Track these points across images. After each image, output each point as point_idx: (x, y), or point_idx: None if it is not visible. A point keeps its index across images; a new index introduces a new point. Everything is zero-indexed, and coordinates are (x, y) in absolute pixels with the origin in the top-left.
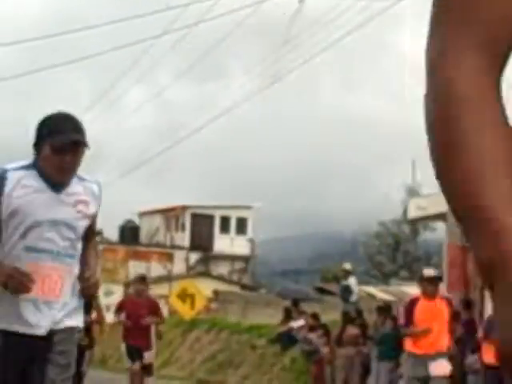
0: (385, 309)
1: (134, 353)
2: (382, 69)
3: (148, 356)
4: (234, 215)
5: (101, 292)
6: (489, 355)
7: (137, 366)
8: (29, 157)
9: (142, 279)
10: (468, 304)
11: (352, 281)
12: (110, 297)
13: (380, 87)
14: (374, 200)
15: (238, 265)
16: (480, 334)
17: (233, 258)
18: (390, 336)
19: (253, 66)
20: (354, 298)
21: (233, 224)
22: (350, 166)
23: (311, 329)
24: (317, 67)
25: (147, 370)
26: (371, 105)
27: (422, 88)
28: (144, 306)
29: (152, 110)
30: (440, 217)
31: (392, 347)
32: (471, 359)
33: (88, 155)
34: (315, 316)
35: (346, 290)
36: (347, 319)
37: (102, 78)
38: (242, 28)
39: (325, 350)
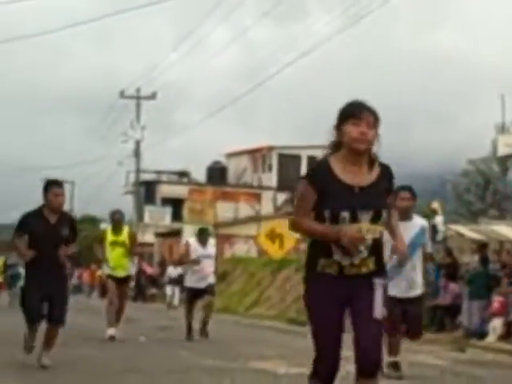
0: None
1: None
2: (464, 7)
3: None
4: (320, 155)
5: (189, 233)
6: None
7: None
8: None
9: None
10: None
11: (438, 220)
12: None
13: (463, 25)
14: (462, 138)
15: None
16: None
17: None
18: (481, 275)
19: (334, 7)
20: (439, 236)
21: None
22: (437, 103)
23: None
24: (397, 8)
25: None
26: (455, 42)
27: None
28: None
29: (237, 50)
30: None
31: (483, 286)
32: None
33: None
34: None
35: (433, 229)
36: None
37: (186, 20)
38: None
39: None
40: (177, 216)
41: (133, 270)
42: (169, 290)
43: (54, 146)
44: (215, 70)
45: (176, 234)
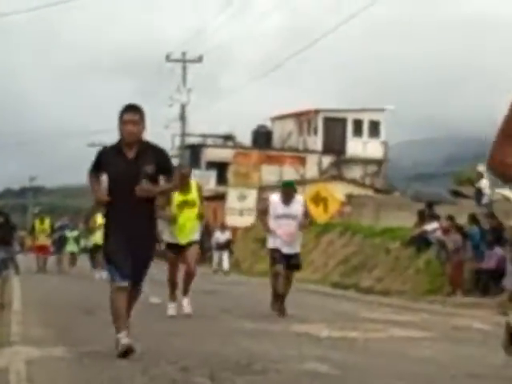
0: None
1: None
2: None
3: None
4: (366, 118)
5: (234, 196)
6: None
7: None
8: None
9: None
10: None
11: (484, 183)
12: (244, 201)
13: None
14: (508, 101)
15: (371, 168)
16: None
17: (365, 162)
18: None
19: None
20: (485, 200)
21: (365, 127)
22: (482, 67)
23: (446, 231)
24: None
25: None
26: (501, 4)
27: None
28: None
29: (282, 12)
30: None
31: None
32: None
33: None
34: (451, 218)
35: (478, 193)
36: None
37: None
38: None
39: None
40: (221, 179)
41: (198, 235)
42: (215, 255)
43: (100, 109)
44: (260, 33)
45: (221, 197)
